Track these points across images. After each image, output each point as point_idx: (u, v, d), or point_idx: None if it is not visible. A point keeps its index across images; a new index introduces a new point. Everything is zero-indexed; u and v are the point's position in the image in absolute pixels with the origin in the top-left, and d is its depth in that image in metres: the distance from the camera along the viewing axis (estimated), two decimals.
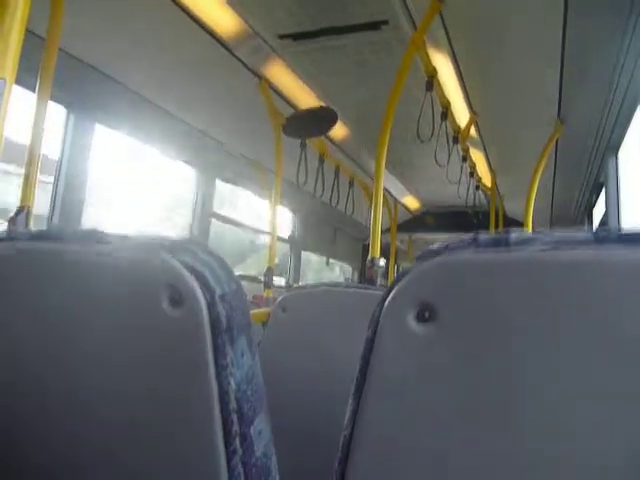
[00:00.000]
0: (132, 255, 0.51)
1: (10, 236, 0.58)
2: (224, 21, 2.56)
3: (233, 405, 0.47)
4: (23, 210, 1.84)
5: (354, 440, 0.48)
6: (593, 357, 0.40)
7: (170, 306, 0.48)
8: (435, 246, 0.46)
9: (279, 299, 1.33)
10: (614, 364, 0.39)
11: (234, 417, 0.47)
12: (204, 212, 3.64)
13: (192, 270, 0.48)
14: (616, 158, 3.09)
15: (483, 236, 0.44)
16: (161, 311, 0.48)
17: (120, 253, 0.51)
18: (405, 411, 0.46)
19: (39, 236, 0.57)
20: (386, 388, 0.47)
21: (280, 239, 4.45)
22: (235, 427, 0.47)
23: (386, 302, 0.47)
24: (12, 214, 1.84)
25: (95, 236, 0.53)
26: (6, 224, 1.84)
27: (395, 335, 0.46)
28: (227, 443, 0.47)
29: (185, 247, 0.50)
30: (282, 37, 2.69)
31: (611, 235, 0.40)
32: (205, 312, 0.47)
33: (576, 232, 0.42)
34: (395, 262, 6.27)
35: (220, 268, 0.50)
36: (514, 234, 0.44)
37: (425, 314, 0.45)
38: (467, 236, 0.45)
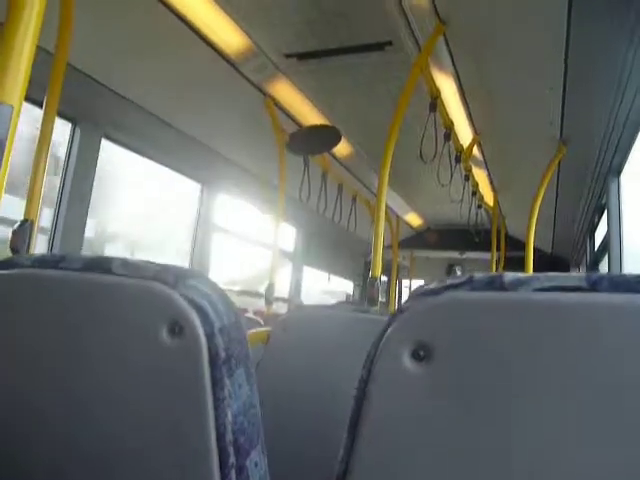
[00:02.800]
0: (133, 285, 0.51)
1: (14, 262, 0.59)
2: (231, 39, 2.59)
3: (230, 437, 0.47)
4: (26, 223, 1.84)
5: (349, 472, 0.48)
6: (588, 400, 0.40)
7: (169, 337, 0.49)
8: (431, 285, 0.47)
9: (280, 318, 1.34)
10: (608, 408, 0.40)
11: (230, 449, 0.47)
12: (206, 226, 3.65)
13: (192, 302, 0.49)
14: (618, 180, 3.09)
15: (478, 276, 0.45)
16: (160, 341, 0.49)
17: (122, 282, 0.52)
18: (399, 450, 0.46)
19: (42, 263, 0.58)
20: (380, 426, 0.47)
21: (282, 254, 4.45)
22: (232, 459, 0.47)
23: (381, 342, 0.47)
24: (15, 227, 1.85)
25: (97, 264, 0.54)
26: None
27: (390, 373, 0.46)
28: (223, 474, 0.47)
29: (186, 278, 0.51)
30: (287, 56, 2.72)
31: (604, 280, 0.40)
32: (204, 344, 0.47)
33: (570, 275, 0.42)
34: (397, 279, 6.26)
35: (219, 300, 0.51)
36: (509, 275, 0.44)
37: (420, 353, 0.45)
38: (462, 277, 0.46)
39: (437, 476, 0.44)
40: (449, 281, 0.46)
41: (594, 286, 0.40)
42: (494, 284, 0.44)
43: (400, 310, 0.47)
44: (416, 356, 0.45)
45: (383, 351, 0.47)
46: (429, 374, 0.45)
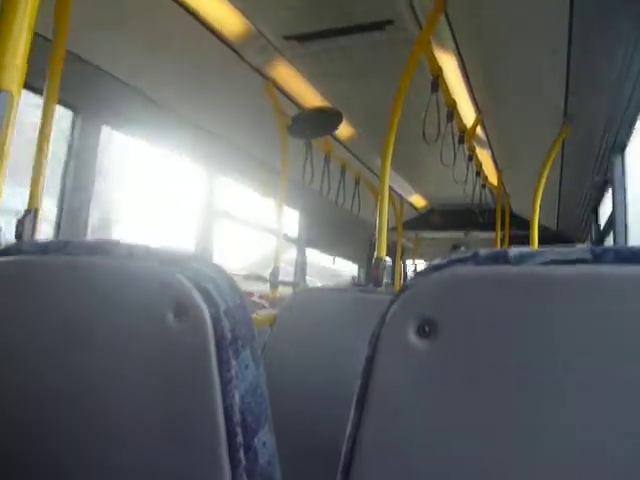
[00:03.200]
0: (138, 269, 0.52)
1: (19, 249, 0.59)
2: (230, 22, 2.56)
3: (237, 417, 0.48)
4: (30, 212, 1.85)
5: (356, 451, 0.48)
6: (592, 371, 0.40)
7: (175, 320, 0.49)
8: (435, 261, 0.47)
9: (286, 301, 1.34)
10: (613, 377, 0.40)
11: (238, 429, 0.48)
12: (209, 210, 3.65)
13: (197, 285, 0.49)
14: (622, 157, 3.08)
15: (482, 252, 0.45)
16: (166, 324, 0.49)
17: (126, 267, 0.52)
18: (406, 425, 0.46)
19: (47, 248, 0.58)
20: (387, 402, 0.47)
21: (286, 238, 4.46)
22: (239, 438, 0.48)
23: (387, 317, 0.47)
24: (20, 216, 1.86)
25: (102, 249, 0.54)
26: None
27: (395, 349, 0.47)
28: (232, 453, 0.48)
29: (190, 262, 0.51)
30: (287, 38, 2.69)
31: (608, 252, 0.40)
32: (210, 326, 0.48)
33: (575, 248, 0.42)
34: (401, 260, 6.26)
35: (224, 282, 0.51)
36: (513, 250, 0.44)
37: (425, 328, 0.45)
38: (467, 251, 0.46)
39: (443, 450, 0.45)
40: (453, 257, 0.46)
41: (599, 258, 0.41)
42: (498, 259, 0.44)
43: (405, 286, 0.47)
44: (421, 332, 0.45)
45: (388, 327, 0.47)
46: (434, 349, 0.45)
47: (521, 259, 0.43)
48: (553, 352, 0.42)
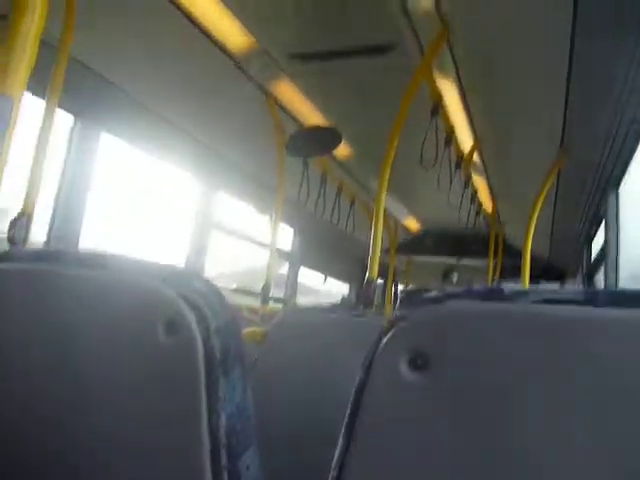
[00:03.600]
0: (130, 283, 0.51)
1: (11, 256, 0.59)
2: (235, 37, 2.58)
3: (223, 439, 0.47)
4: (24, 216, 1.84)
5: (343, 479, 0.48)
6: (586, 413, 0.40)
7: (165, 335, 0.48)
8: (430, 294, 0.47)
9: (275, 319, 1.33)
10: (607, 421, 0.40)
11: (223, 451, 0.47)
12: (204, 223, 3.65)
13: (188, 301, 0.48)
14: (617, 192, 3.10)
15: (477, 287, 0.45)
16: (156, 340, 0.48)
17: (118, 279, 0.52)
18: (394, 458, 0.46)
19: (39, 257, 0.58)
20: (376, 433, 0.47)
21: (280, 254, 4.45)
22: (224, 461, 0.47)
23: (379, 347, 0.47)
24: (13, 218, 1.85)
25: (95, 261, 0.54)
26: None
27: (387, 381, 0.46)
28: (215, 477, 0.47)
29: (182, 277, 0.50)
30: (291, 56, 2.72)
31: (601, 294, 0.40)
32: (200, 344, 0.47)
33: (568, 289, 0.42)
34: (393, 282, 6.26)
35: (216, 299, 0.50)
36: (507, 286, 0.44)
37: (418, 361, 0.45)
38: (461, 286, 0.46)
39: None
40: (448, 290, 0.46)
41: (591, 300, 0.41)
42: (493, 295, 0.44)
43: (398, 318, 0.47)
44: (413, 364, 0.45)
45: (380, 358, 0.47)
46: (426, 383, 0.45)
47: (515, 296, 0.43)
48: (547, 390, 0.41)
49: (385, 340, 0.47)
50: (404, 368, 0.45)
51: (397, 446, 0.46)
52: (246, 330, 1.94)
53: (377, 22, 2.37)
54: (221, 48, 2.62)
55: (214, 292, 0.51)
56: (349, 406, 0.48)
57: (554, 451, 0.41)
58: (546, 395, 0.41)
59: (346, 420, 0.48)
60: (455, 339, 0.45)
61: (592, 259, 3.91)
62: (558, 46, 2.24)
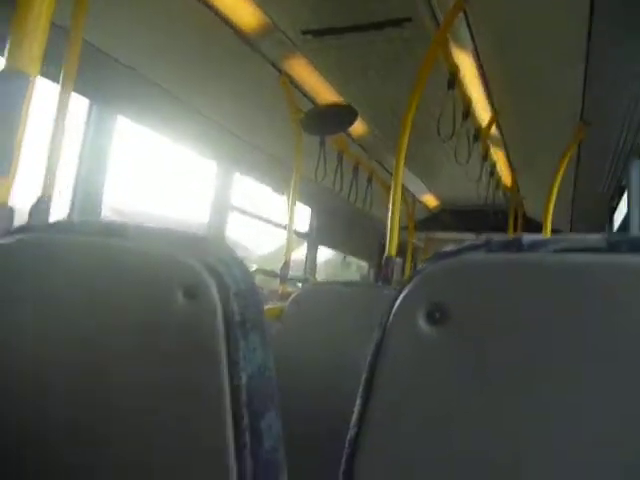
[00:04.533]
0: (150, 250, 0.52)
1: (30, 227, 0.59)
2: (247, 15, 2.56)
3: (244, 399, 0.48)
4: (43, 199, 1.86)
5: (361, 438, 0.48)
6: (603, 360, 0.40)
7: (185, 300, 0.49)
8: (447, 248, 0.46)
9: (293, 295, 1.34)
10: (624, 368, 0.39)
11: (244, 411, 0.48)
12: (222, 205, 3.66)
13: (207, 267, 0.49)
14: (639, 162, 3.04)
15: (495, 239, 0.45)
16: (176, 305, 0.49)
17: (138, 247, 0.52)
18: (413, 412, 0.46)
19: (59, 227, 0.58)
20: (394, 388, 0.47)
21: (297, 234, 4.46)
22: (245, 420, 0.47)
23: (396, 302, 0.47)
24: (33, 203, 1.87)
25: (114, 229, 0.54)
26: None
27: (404, 335, 0.46)
28: (237, 436, 0.47)
29: (201, 244, 0.51)
30: (304, 33, 2.69)
31: (624, 241, 0.40)
32: (219, 307, 0.48)
33: (589, 236, 0.41)
34: (412, 260, 6.25)
35: (235, 265, 0.51)
36: (526, 237, 0.44)
37: (436, 315, 0.45)
38: (479, 239, 0.45)
39: (450, 440, 0.44)
40: (466, 244, 0.46)
41: (614, 247, 0.40)
42: (511, 246, 0.44)
43: (416, 272, 0.47)
44: (431, 318, 0.45)
45: (398, 312, 0.47)
46: (444, 336, 0.45)
47: (534, 246, 0.43)
48: (564, 341, 0.41)
49: (402, 295, 0.47)
50: (422, 322, 0.45)
51: (416, 399, 0.46)
52: (266, 307, 1.96)
53: None
54: (233, 26, 2.60)
55: (234, 259, 0.52)
56: (367, 363, 0.48)
57: (580, 403, 0.40)
58: (569, 345, 0.41)
59: (364, 376, 0.48)
60: (473, 291, 0.44)
61: (615, 230, 3.85)
62: (577, 17, 2.19)
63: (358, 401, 0.49)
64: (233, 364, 0.47)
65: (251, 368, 0.48)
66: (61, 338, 0.57)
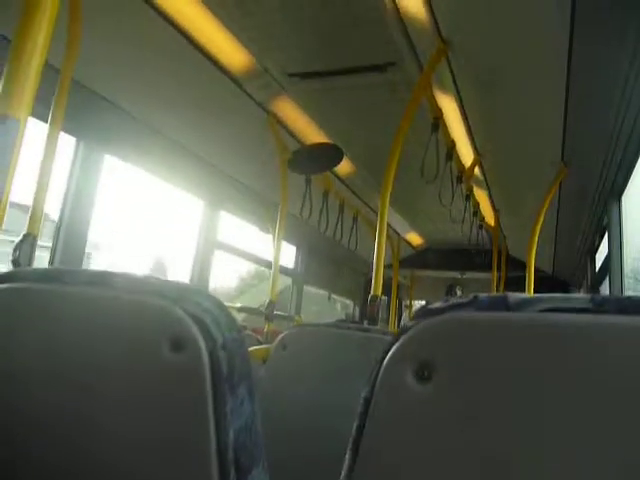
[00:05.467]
0: (136, 300, 0.51)
1: (18, 276, 0.59)
2: (236, 58, 2.62)
3: (231, 455, 0.47)
4: (28, 238, 1.85)
5: None
6: (594, 424, 0.40)
7: (171, 352, 0.48)
8: (435, 305, 0.47)
9: (280, 337, 1.33)
10: (610, 428, 0.39)
11: (231, 468, 0.47)
12: (208, 242, 3.65)
13: (194, 317, 0.48)
14: (619, 202, 3.10)
15: (482, 296, 0.45)
16: (162, 357, 0.48)
17: (124, 297, 0.52)
18: (402, 470, 0.45)
19: (44, 277, 0.58)
20: (382, 446, 0.46)
21: (282, 272, 4.45)
22: (232, 478, 0.46)
23: (385, 359, 0.47)
24: (17, 241, 1.85)
25: (101, 279, 0.54)
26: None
27: (393, 393, 0.46)
28: None
29: (188, 294, 0.50)
30: (291, 75, 2.74)
31: (609, 301, 0.40)
32: (206, 360, 0.47)
33: (575, 296, 0.42)
34: (397, 298, 6.25)
35: (221, 315, 0.51)
36: (513, 295, 0.44)
37: (424, 373, 0.45)
38: (466, 297, 0.46)
39: None
40: (453, 301, 0.46)
41: (600, 307, 0.40)
42: (498, 304, 0.44)
43: (404, 329, 0.47)
44: (419, 375, 0.45)
45: (386, 370, 0.46)
46: (432, 394, 0.44)
47: (521, 305, 0.43)
48: (553, 400, 0.41)
49: (391, 352, 0.46)
50: (410, 379, 0.45)
51: (404, 458, 0.45)
52: (251, 349, 1.94)
53: (376, 40, 2.39)
54: (222, 68, 2.65)
55: (220, 308, 0.51)
56: (356, 420, 0.48)
57: (564, 460, 0.40)
58: (555, 405, 0.41)
59: (353, 433, 0.48)
60: (460, 349, 0.44)
61: (596, 270, 3.89)
62: (556, 60, 2.25)
63: (347, 456, 0.48)
64: (220, 419, 0.47)
65: (238, 422, 0.48)
66: (45, 389, 0.56)
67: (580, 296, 0.42)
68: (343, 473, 0.48)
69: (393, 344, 0.46)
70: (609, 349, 0.40)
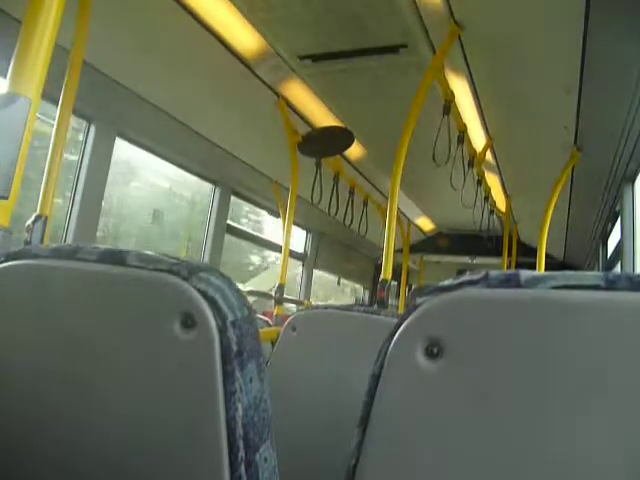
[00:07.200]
0: (147, 277, 0.51)
1: (30, 253, 0.59)
2: (246, 40, 2.60)
3: (240, 431, 0.47)
4: (40, 219, 1.86)
5: (359, 470, 0.48)
6: (606, 399, 0.40)
7: (182, 330, 0.49)
8: (445, 282, 0.46)
9: (289, 319, 1.33)
10: (623, 403, 0.39)
11: (240, 443, 0.47)
12: (218, 227, 3.67)
13: (205, 295, 0.49)
14: (633, 187, 3.07)
15: (493, 273, 0.45)
16: (173, 334, 0.49)
17: (135, 274, 0.52)
18: (409, 446, 0.46)
19: (58, 253, 0.58)
20: (392, 422, 0.46)
21: (292, 256, 4.46)
22: (241, 453, 0.47)
23: (394, 337, 0.47)
24: (29, 222, 1.87)
25: (113, 256, 0.54)
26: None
27: (402, 369, 0.46)
28: (232, 469, 0.47)
29: (199, 272, 0.51)
30: (302, 58, 2.72)
31: (621, 278, 0.40)
32: (216, 337, 0.47)
33: (587, 273, 0.42)
34: (407, 283, 6.25)
35: (232, 293, 0.51)
36: (525, 273, 0.44)
37: (434, 349, 0.45)
38: (478, 273, 0.45)
39: (446, 474, 0.44)
40: (464, 278, 0.46)
41: (612, 284, 0.40)
42: (510, 281, 0.44)
43: (414, 306, 0.47)
44: (429, 353, 0.45)
45: (396, 346, 0.46)
46: (442, 371, 0.44)
47: (533, 282, 0.43)
48: (564, 378, 0.41)
49: (401, 329, 0.46)
50: (420, 356, 0.45)
51: (413, 434, 0.46)
52: (261, 330, 1.94)
53: (388, 22, 2.37)
54: (233, 51, 2.63)
55: (230, 286, 0.51)
56: (365, 396, 0.48)
57: (580, 437, 0.40)
58: (568, 380, 0.41)
59: (361, 410, 0.48)
60: (470, 326, 0.44)
61: (608, 256, 3.86)
62: (571, 43, 2.22)
63: (355, 432, 0.48)
64: (229, 395, 0.47)
65: (247, 399, 0.48)
66: (56, 364, 0.56)
67: (592, 273, 0.41)
68: (352, 449, 0.48)
69: (403, 321, 0.46)
70: (621, 326, 0.39)
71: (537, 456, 0.42)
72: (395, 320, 0.48)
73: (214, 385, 0.47)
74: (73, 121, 2.33)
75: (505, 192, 4.47)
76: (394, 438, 0.46)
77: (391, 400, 0.47)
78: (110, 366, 0.53)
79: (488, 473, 0.43)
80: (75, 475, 0.56)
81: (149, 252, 0.54)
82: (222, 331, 0.48)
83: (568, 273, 0.42)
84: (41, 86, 0.91)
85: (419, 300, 0.47)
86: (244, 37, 2.57)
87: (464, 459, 0.44)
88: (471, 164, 3.39)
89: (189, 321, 0.48)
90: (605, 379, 0.40)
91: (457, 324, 0.45)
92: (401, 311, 6.42)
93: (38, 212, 1.84)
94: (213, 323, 0.48)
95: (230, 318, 0.48)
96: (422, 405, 0.46)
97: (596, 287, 0.40)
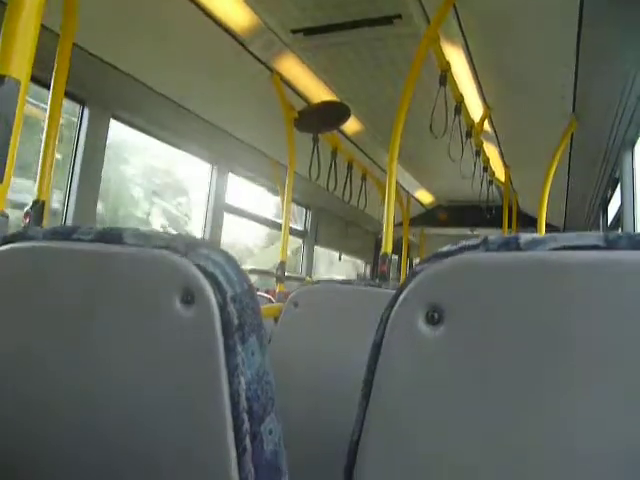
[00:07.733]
0: (146, 256, 0.51)
1: (25, 234, 0.59)
2: (237, 16, 2.56)
3: (243, 404, 0.47)
4: (38, 204, 1.86)
5: (362, 440, 0.48)
6: (608, 360, 0.40)
7: (182, 306, 0.49)
8: (445, 248, 0.46)
9: (291, 294, 1.34)
10: (623, 365, 0.39)
11: (244, 416, 0.47)
12: (217, 205, 3.66)
13: (204, 271, 0.49)
14: (632, 153, 3.05)
15: (492, 237, 0.44)
16: (173, 311, 0.49)
17: (133, 252, 0.52)
18: (413, 413, 0.46)
19: (54, 235, 0.58)
20: (394, 390, 0.47)
21: (292, 234, 4.46)
22: (246, 426, 0.47)
23: (395, 304, 0.47)
24: (27, 208, 1.86)
25: (110, 235, 0.54)
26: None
27: (404, 336, 0.46)
28: (238, 442, 0.47)
29: (197, 247, 0.51)
30: (294, 32, 2.69)
31: (622, 238, 0.40)
32: (217, 312, 0.48)
33: (587, 234, 0.41)
34: (408, 256, 6.26)
35: (231, 269, 0.51)
36: (524, 235, 0.43)
37: (435, 316, 0.45)
38: (477, 238, 0.45)
39: (450, 441, 0.44)
40: (463, 243, 0.46)
41: (612, 244, 0.40)
42: (509, 245, 0.43)
43: (414, 272, 0.46)
44: (430, 319, 0.45)
45: (397, 313, 0.47)
46: (443, 337, 0.45)
47: (532, 245, 0.43)
48: (565, 339, 0.41)
49: (401, 296, 0.46)
50: (421, 322, 0.45)
51: (415, 400, 0.46)
52: (263, 307, 1.96)
53: None
54: (224, 27, 2.60)
55: (229, 261, 0.51)
56: (367, 365, 0.48)
57: (584, 403, 0.40)
58: (570, 343, 0.41)
59: (364, 378, 0.48)
60: (470, 291, 0.44)
61: (608, 222, 3.86)
62: (568, 12, 2.19)
63: (359, 402, 0.49)
64: (232, 369, 0.47)
65: (250, 372, 0.48)
66: (57, 345, 0.57)
67: (592, 234, 0.41)
68: (356, 417, 0.49)
69: (404, 288, 0.46)
70: (622, 285, 0.39)
71: (539, 417, 0.42)
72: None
73: (216, 360, 0.47)
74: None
75: (504, 162, 4.45)
76: (396, 406, 0.47)
77: (393, 368, 0.47)
78: (111, 346, 0.54)
79: (490, 438, 0.43)
80: (74, 452, 0.56)
81: (146, 229, 0.54)
82: (222, 306, 0.48)
83: (567, 235, 0.42)
84: (30, 67, 0.90)
85: (419, 267, 0.47)
86: (235, 13, 2.54)
87: (466, 425, 0.44)
88: (469, 135, 3.37)
89: (189, 297, 0.48)
90: (607, 338, 0.40)
91: (457, 289, 0.45)
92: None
93: (35, 197, 1.83)
94: (213, 298, 0.48)
95: (230, 293, 0.48)
96: (424, 372, 0.46)
97: (596, 247, 0.40)
